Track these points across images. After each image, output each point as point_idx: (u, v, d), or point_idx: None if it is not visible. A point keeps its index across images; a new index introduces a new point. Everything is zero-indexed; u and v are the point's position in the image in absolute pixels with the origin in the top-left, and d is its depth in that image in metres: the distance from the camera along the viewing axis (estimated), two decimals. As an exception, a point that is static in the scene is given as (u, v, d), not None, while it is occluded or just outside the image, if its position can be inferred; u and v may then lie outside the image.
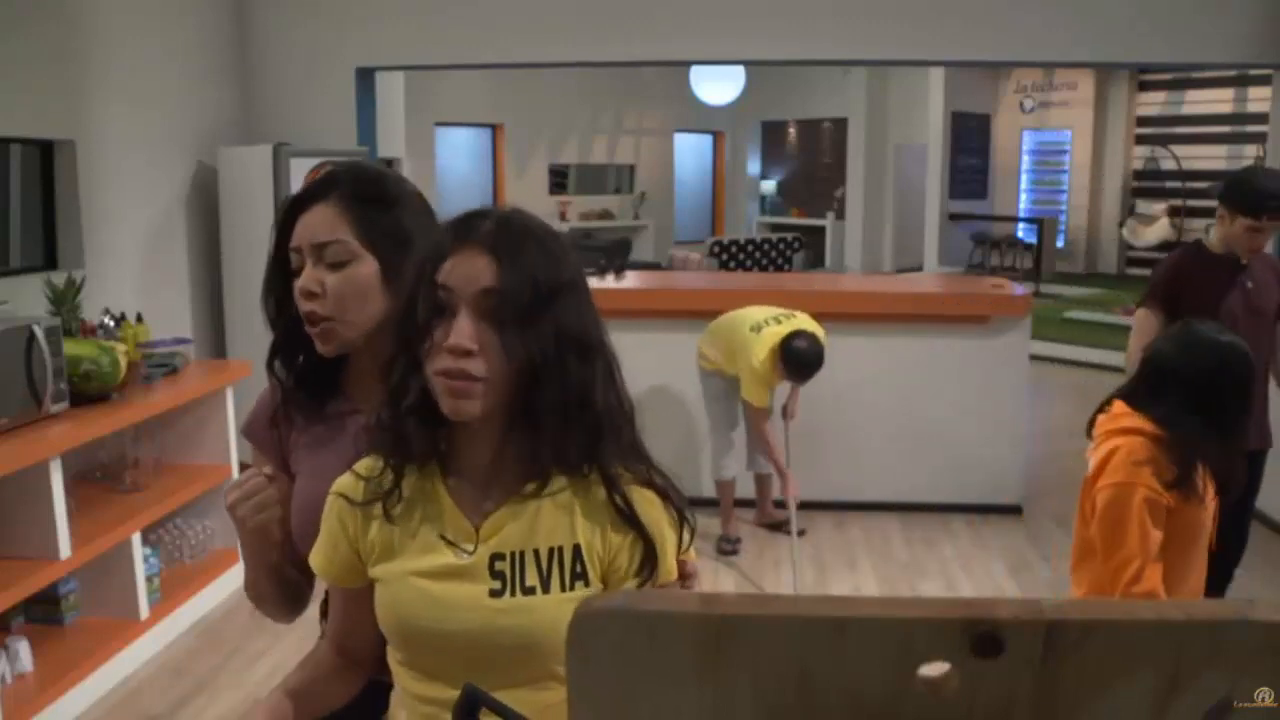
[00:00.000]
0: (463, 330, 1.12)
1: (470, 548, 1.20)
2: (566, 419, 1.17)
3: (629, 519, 1.21)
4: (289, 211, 1.45)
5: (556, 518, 1.21)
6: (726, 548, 4.71)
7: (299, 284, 1.42)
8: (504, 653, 1.19)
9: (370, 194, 1.44)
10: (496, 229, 1.15)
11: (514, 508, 1.21)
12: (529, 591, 1.19)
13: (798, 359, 4.28)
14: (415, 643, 1.22)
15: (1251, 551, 3.50)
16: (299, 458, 1.50)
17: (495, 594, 1.19)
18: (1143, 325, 3.40)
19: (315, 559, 1.29)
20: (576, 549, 1.21)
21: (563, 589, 1.18)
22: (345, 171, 1.47)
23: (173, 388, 3.89)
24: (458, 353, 1.12)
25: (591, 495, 1.22)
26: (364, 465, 1.25)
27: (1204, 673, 0.60)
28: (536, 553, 1.20)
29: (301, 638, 3.96)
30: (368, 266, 1.41)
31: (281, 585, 1.50)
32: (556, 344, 1.14)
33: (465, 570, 1.20)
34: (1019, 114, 13.51)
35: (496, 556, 1.20)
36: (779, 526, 4.82)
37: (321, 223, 1.42)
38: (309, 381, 1.50)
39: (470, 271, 1.13)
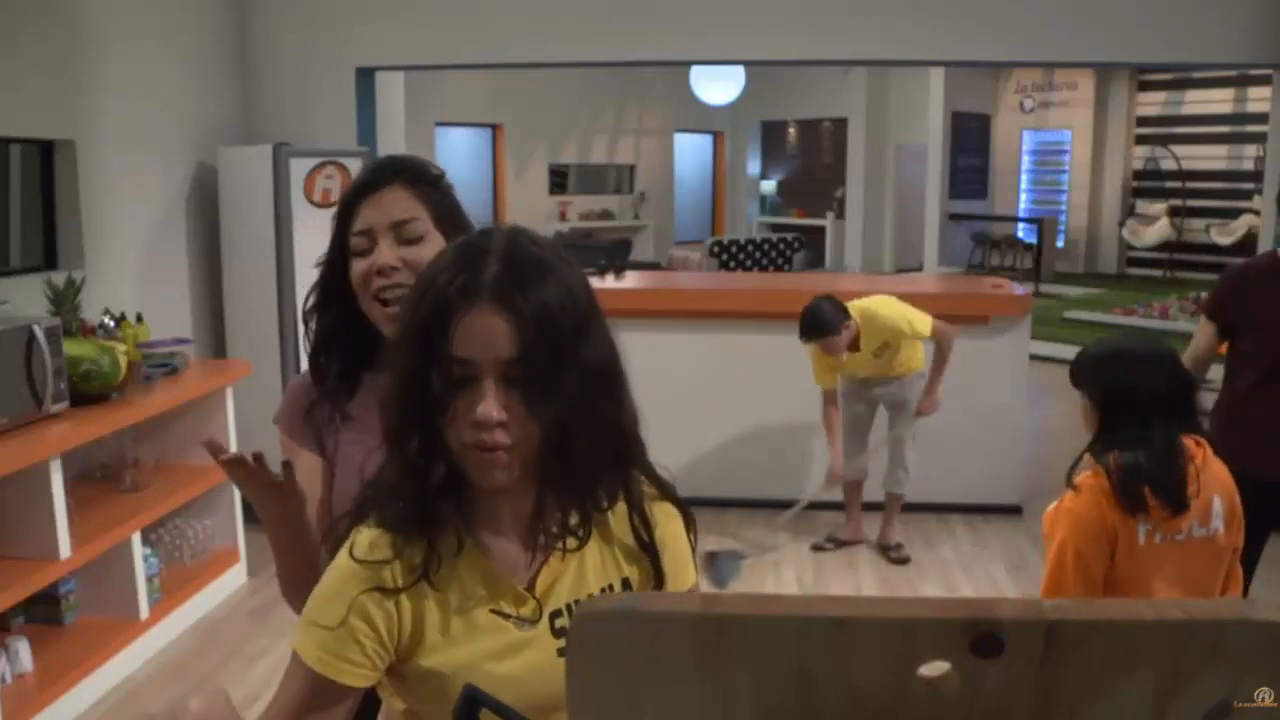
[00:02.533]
0: (490, 402, 1.03)
1: (530, 616, 1.14)
2: (600, 462, 1.11)
3: (646, 548, 1.19)
4: (353, 198, 1.47)
5: (599, 554, 1.18)
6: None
7: (377, 261, 1.43)
8: None
9: (429, 179, 1.50)
10: (503, 271, 1.04)
11: (559, 560, 1.16)
12: None
13: (801, 318, 4.29)
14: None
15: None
16: (346, 440, 1.51)
17: (563, 652, 1.13)
18: (1197, 336, 3.03)
19: (317, 653, 1.10)
20: (625, 583, 1.19)
21: None
22: (403, 159, 1.53)
23: (173, 388, 3.89)
24: (487, 426, 1.04)
25: (619, 517, 1.18)
26: (363, 547, 1.10)
27: (1204, 673, 0.60)
28: (591, 598, 1.15)
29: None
30: (438, 245, 1.44)
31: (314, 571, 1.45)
32: (584, 390, 1.06)
33: (530, 640, 1.13)
34: (1019, 114, 13.51)
35: (555, 614, 1.14)
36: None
37: (395, 202, 1.45)
38: (350, 369, 1.51)
39: (486, 339, 1.03)
